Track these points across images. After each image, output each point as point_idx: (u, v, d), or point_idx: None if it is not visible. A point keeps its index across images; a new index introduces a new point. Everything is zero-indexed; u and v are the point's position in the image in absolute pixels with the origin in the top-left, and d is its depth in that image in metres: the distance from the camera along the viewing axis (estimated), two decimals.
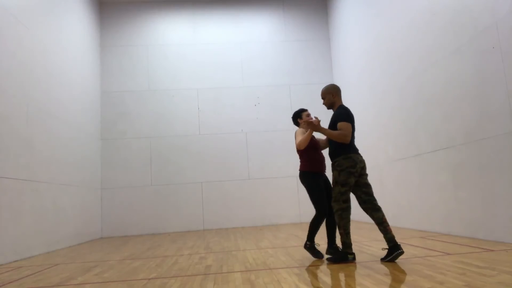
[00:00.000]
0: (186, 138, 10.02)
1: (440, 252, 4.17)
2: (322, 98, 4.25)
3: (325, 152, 4.39)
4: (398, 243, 3.82)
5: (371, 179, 8.21)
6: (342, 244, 3.95)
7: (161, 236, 8.67)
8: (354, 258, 3.91)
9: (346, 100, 9.61)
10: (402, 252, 3.78)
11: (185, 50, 10.42)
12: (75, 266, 4.90)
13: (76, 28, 8.60)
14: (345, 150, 3.96)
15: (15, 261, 5.54)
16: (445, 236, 5.37)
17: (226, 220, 9.71)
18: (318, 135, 4.72)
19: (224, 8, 10.67)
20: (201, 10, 10.61)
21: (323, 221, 4.26)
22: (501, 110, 4.41)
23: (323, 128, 3.98)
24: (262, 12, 10.77)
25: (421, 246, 4.67)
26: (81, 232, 8.11)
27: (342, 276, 3.32)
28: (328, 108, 4.28)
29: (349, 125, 3.94)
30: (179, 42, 10.45)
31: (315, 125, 3.99)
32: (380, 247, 4.82)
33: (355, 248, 4.85)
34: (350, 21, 9.18)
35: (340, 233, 3.94)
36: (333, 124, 4.04)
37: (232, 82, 10.36)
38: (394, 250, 3.79)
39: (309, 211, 9.98)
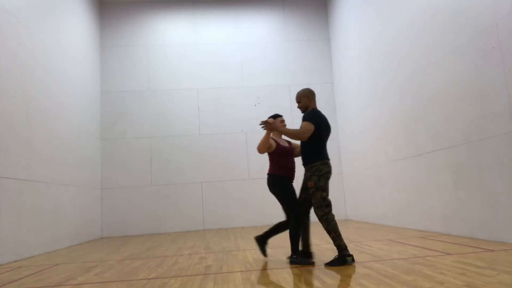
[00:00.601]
0: (186, 138, 10.02)
1: (440, 252, 4.17)
2: (298, 101, 4.25)
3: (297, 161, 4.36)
4: (311, 252, 4.16)
5: (371, 178, 8.23)
6: (337, 248, 3.87)
7: (161, 236, 8.67)
8: (353, 260, 3.85)
9: (346, 101, 9.65)
10: (312, 264, 3.97)
11: (185, 50, 10.41)
12: (75, 266, 4.90)
13: (76, 28, 8.60)
14: (323, 156, 4.01)
15: (15, 261, 5.54)
16: (445, 236, 5.37)
17: (226, 220, 9.71)
18: (295, 141, 4.74)
19: (224, 8, 10.67)
20: (201, 10, 10.61)
21: (301, 226, 4.12)
22: (501, 110, 4.41)
23: (279, 127, 4.03)
24: (262, 12, 10.77)
25: (421, 246, 4.67)
26: (81, 232, 8.11)
27: (342, 276, 3.32)
28: (303, 111, 4.25)
29: (311, 125, 3.96)
30: (179, 42, 10.45)
31: (270, 124, 4.01)
32: (379, 247, 4.82)
33: (355, 248, 4.85)
34: (350, 21, 9.18)
35: (332, 237, 3.86)
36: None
37: (232, 82, 10.36)
38: (305, 257, 4.04)
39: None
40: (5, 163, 5.46)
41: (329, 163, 4.03)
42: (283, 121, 4.43)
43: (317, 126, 3.98)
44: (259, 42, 10.60)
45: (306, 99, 4.21)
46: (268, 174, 4.33)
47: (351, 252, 4.24)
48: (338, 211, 9.98)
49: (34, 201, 6.20)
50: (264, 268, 3.95)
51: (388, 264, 3.70)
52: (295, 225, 4.06)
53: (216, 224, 9.65)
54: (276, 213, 9.89)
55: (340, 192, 10.06)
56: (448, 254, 4.02)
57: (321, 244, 5.39)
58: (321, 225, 3.92)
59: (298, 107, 4.27)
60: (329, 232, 3.87)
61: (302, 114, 4.21)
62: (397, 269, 3.46)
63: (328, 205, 3.90)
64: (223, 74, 10.37)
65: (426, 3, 5.85)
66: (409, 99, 6.50)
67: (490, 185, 4.64)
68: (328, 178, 3.96)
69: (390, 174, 7.32)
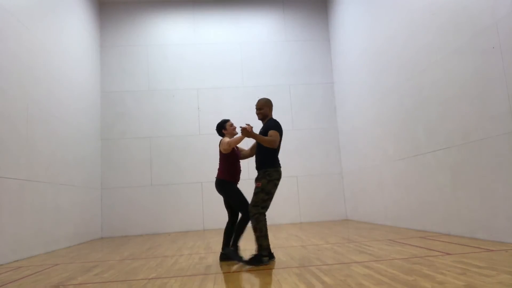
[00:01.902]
0: (186, 138, 10.01)
1: (440, 252, 4.17)
2: (259, 108, 4.49)
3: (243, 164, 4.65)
4: (272, 252, 4.33)
5: (371, 178, 8.23)
6: (258, 247, 4.14)
7: (161, 236, 8.67)
8: (269, 260, 4.17)
9: (346, 101, 9.65)
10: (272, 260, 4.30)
11: (185, 50, 10.41)
12: (75, 266, 4.90)
13: (76, 28, 8.60)
14: (276, 163, 4.31)
15: (15, 261, 5.54)
16: (445, 236, 5.37)
17: (226, 220, 9.66)
18: (240, 145, 4.95)
19: (224, 8, 10.67)
20: (201, 10, 10.60)
21: (245, 225, 4.48)
22: (501, 110, 4.41)
23: (255, 134, 4.20)
24: (262, 12, 10.77)
25: (421, 246, 4.67)
26: (81, 232, 8.11)
27: (342, 276, 3.32)
28: (261, 118, 4.53)
29: (278, 134, 4.24)
30: (179, 42, 10.45)
31: (248, 132, 4.19)
32: (379, 247, 4.82)
33: (355, 248, 4.86)
34: (350, 21, 9.18)
35: (257, 236, 4.14)
36: (264, 133, 4.31)
37: (232, 82, 10.36)
38: (270, 257, 4.23)
39: (309, 211, 10.00)
40: (5, 163, 5.46)
41: (280, 170, 4.34)
42: (231, 124, 4.76)
43: (280, 135, 4.27)
44: (259, 42, 10.60)
45: (267, 108, 4.49)
46: (217, 178, 4.61)
47: (352, 252, 4.35)
48: (338, 211, 10.00)
49: (34, 201, 6.20)
50: (264, 268, 3.95)
51: (388, 264, 3.70)
52: (247, 220, 4.39)
53: (216, 224, 9.64)
54: (276, 213, 9.92)
55: (340, 192, 10.06)
56: (448, 254, 4.02)
57: (321, 244, 5.40)
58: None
59: (257, 113, 4.52)
60: (255, 229, 4.16)
61: (262, 122, 4.52)
62: (397, 269, 3.46)
63: (264, 207, 4.22)
64: (223, 74, 10.37)
65: (426, 3, 5.85)
66: (409, 99, 6.50)
67: (490, 185, 4.64)
68: (276, 185, 4.27)
69: (390, 174, 7.32)
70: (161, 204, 9.67)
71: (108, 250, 6.52)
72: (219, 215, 9.76)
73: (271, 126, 4.30)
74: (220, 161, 4.64)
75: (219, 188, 4.60)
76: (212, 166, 10.11)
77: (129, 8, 10.41)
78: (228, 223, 4.70)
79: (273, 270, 3.82)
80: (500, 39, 4.40)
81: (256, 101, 4.57)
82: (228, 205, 4.71)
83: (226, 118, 4.87)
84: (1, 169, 5.36)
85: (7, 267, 4.98)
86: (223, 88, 10.31)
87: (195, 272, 3.99)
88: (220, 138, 4.85)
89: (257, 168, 4.37)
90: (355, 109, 9.10)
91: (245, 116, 10.25)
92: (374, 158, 8.04)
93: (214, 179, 4.81)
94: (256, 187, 4.25)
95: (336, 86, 10.35)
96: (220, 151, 4.58)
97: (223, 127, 4.74)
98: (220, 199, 9.73)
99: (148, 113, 10.05)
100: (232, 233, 4.60)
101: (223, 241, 4.60)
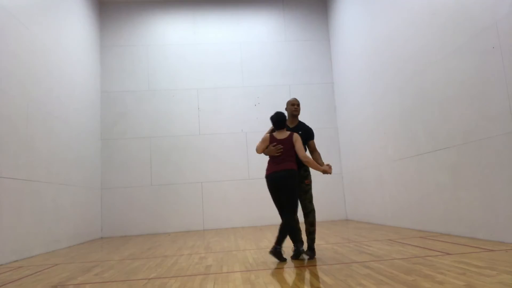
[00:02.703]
0: (186, 138, 10.01)
1: (440, 252, 4.17)
2: (298, 105, 4.70)
3: None
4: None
5: (371, 178, 8.23)
6: (313, 240, 4.41)
7: (161, 236, 8.67)
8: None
9: (346, 101, 9.66)
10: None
11: (185, 50, 10.41)
12: (75, 266, 4.90)
13: (76, 28, 8.60)
14: None
15: (15, 261, 5.54)
16: (445, 236, 5.37)
17: (226, 220, 9.71)
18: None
19: (224, 8, 10.67)
20: (201, 10, 10.60)
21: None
22: (501, 110, 4.41)
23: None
24: (262, 12, 10.77)
25: (421, 246, 4.67)
26: (81, 232, 8.11)
27: (342, 276, 3.32)
28: (296, 115, 4.68)
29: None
30: (179, 42, 10.45)
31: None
32: (379, 247, 4.82)
33: (355, 248, 4.86)
34: (350, 21, 9.18)
35: (314, 230, 4.41)
36: (302, 136, 4.50)
37: (232, 82, 10.36)
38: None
39: None
40: (5, 163, 5.46)
41: None
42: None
43: None
44: (259, 42, 10.60)
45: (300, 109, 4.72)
46: (291, 169, 4.29)
47: (352, 252, 4.50)
48: (338, 211, 10.00)
49: (34, 201, 6.20)
50: (264, 268, 3.95)
51: (388, 264, 3.70)
52: (295, 221, 4.34)
53: (216, 224, 9.65)
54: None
55: (340, 192, 10.06)
56: (448, 254, 4.02)
57: (321, 244, 5.40)
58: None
59: (296, 109, 4.66)
60: (314, 224, 4.41)
61: (293, 119, 4.67)
62: (397, 269, 3.46)
63: None
64: (223, 74, 10.37)
65: (426, 3, 5.85)
66: (409, 99, 6.50)
67: (490, 185, 4.64)
68: None
69: (390, 174, 7.32)
70: (161, 204, 9.67)
71: (108, 250, 6.52)
72: (219, 215, 9.79)
73: (312, 135, 4.61)
74: (291, 153, 4.36)
75: (292, 179, 4.26)
76: (212, 166, 10.18)
77: (129, 8, 10.41)
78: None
79: (273, 270, 3.82)
80: (500, 39, 4.40)
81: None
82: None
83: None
84: (1, 169, 5.36)
85: (7, 267, 4.98)
86: (223, 88, 10.31)
87: (195, 272, 3.99)
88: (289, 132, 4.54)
89: (301, 165, 4.45)
90: (355, 109, 9.10)
91: (245, 116, 10.29)
92: (374, 158, 8.04)
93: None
94: (307, 184, 4.45)
95: (336, 86, 10.35)
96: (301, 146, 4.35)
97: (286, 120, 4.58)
98: (219, 199, 9.79)
99: (148, 113, 10.05)
100: (297, 230, 4.43)
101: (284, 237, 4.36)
